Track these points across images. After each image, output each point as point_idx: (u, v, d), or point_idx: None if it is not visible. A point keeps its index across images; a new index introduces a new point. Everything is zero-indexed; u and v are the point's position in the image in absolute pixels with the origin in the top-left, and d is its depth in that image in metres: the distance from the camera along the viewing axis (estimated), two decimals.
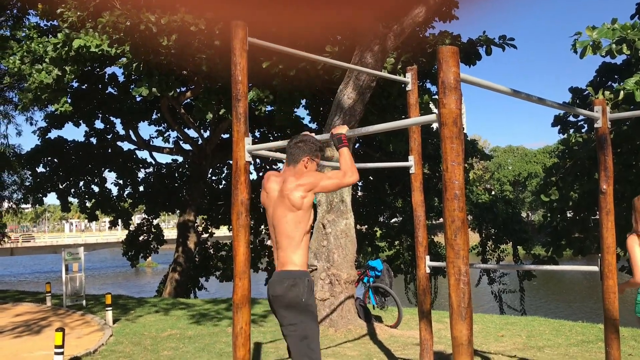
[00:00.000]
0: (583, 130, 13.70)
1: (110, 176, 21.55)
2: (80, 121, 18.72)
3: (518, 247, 19.40)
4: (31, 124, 16.86)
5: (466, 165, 20.59)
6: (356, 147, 19.84)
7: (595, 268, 4.10)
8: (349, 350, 6.96)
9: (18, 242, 64.26)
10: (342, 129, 3.63)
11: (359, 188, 21.80)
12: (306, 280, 3.38)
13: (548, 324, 8.71)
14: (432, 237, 22.48)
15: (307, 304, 3.35)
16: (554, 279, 39.34)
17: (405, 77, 5.32)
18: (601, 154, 4.04)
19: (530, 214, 69.62)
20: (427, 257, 5.26)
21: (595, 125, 4.04)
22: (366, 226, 21.15)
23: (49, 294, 11.68)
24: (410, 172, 5.30)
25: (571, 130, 14.08)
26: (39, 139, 19.40)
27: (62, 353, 6.09)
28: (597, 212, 12.49)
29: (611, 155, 4.04)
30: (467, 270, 2.59)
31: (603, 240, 4.05)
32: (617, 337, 4.06)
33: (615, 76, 13.26)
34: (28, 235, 75.91)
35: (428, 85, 14.74)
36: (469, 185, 20.00)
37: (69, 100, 14.62)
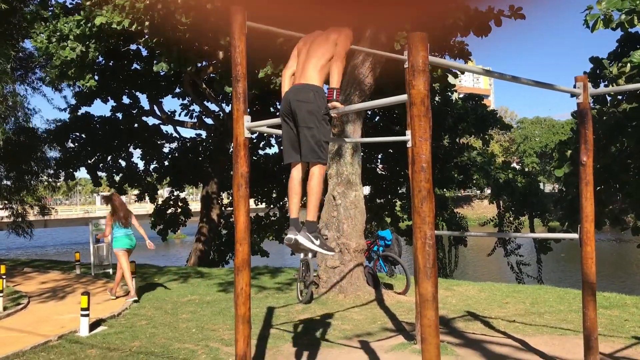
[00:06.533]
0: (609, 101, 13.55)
1: (136, 152, 22.11)
2: (108, 97, 19.26)
3: (535, 219, 19.40)
4: (65, 105, 17.24)
5: (486, 136, 20.61)
6: (376, 120, 20.06)
7: (575, 235, 4.35)
8: (356, 314, 7.34)
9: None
10: (337, 105, 3.95)
11: (379, 161, 22.02)
12: (324, 93, 3.96)
13: (554, 292, 8.96)
14: (454, 208, 22.56)
15: (325, 113, 3.92)
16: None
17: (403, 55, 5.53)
18: (582, 128, 4.25)
19: (556, 186, 68.85)
20: None
21: (577, 101, 4.25)
22: (383, 200, 21.39)
23: (78, 263, 12.34)
24: (408, 145, 5.54)
25: (590, 102, 13.98)
26: (69, 115, 19.96)
27: (87, 315, 6.61)
28: (613, 187, 12.31)
29: (591, 129, 4.25)
30: (432, 235, 2.88)
31: (582, 209, 4.28)
32: (594, 300, 4.32)
33: (638, 46, 13.08)
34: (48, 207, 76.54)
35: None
36: (486, 160, 19.93)
37: (96, 77, 15.06)
